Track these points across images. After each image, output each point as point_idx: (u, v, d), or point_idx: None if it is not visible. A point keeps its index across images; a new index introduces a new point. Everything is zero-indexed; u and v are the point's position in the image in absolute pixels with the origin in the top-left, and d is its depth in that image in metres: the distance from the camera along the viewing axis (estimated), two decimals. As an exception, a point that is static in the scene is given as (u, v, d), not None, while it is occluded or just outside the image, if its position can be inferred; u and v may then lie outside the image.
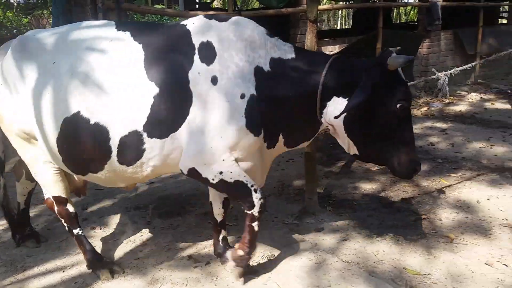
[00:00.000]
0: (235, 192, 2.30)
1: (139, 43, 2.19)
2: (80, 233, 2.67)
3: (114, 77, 2.13)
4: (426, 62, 7.89)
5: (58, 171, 2.50)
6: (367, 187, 3.89)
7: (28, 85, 2.24)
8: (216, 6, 15.20)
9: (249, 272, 2.57)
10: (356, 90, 2.13)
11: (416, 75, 7.83)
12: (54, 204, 2.59)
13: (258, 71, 2.20)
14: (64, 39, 2.28)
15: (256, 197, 2.27)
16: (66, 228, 2.68)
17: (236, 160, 2.20)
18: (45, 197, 2.64)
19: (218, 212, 2.70)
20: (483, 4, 8.11)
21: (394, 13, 18.15)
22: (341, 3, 7.23)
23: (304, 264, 2.68)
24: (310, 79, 2.25)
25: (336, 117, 2.20)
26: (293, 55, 2.29)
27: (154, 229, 3.29)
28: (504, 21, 11.59)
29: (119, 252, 2.98)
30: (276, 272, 2.61)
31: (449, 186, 3.80)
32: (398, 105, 2.19)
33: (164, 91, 2.12)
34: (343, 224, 3.20)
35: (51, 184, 2.54)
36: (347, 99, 2.21)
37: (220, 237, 2.73)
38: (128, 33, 2.22)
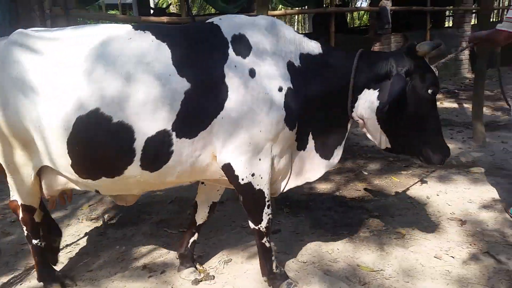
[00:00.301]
0: (252, 201, 2.26)
1: (163, 41, 2.06)
2: (38, 244, 2.49)
3: (139, 74, 1.97)
4: (378, 64, 8.14)
5: (36, 181, 2.26)
6: (323, 187, 3.96)
7: (31, 83, 2.00)
8: (172, 11, 15.07)
9: (205, 278, 2.55)
10: (392, 79, 2.15)
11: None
12: (21, 211, 2.38)
13: (290, 66, 2.18)
14: (73, 35, 2.12)
15: (266, 212, 2.27)
16: (25, 235, 2.47)
17: (272, 159, 2.17)
18: (12, 200, 2.39)
19: (201, 215, 2.63)
20: (430, 9, 8.48)
21: (349, 18, 18.66)
22: (297, 8, 7.35)
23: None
24: (340, 74, 2.25)
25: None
26: (321, 51, 2.28)
27: (107, 240, 3.20)
28: (450, 24, 12.18)
29: (71, 264, 2.86)
30: (233, 277, 2.60)
31: (400, 183, 3.94)
32: (429, 91, 2.22)
33: (197, 86, 2.02)
34: (300, 224, 3.24)
35: (27, 192, 2.30)
36: (377, 90, 2.22)
37: (191, 240, 2.65)
38: (148, 32, 2.09)
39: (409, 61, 2.20)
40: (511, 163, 4.29)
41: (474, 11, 9.69)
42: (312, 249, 2.86)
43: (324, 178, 4.09)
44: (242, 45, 2.11)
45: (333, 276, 2.54)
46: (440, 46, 2.21)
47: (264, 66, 2.09)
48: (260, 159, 2.14)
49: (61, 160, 2.08)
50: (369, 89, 2.25)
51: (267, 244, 2.34)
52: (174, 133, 2.00)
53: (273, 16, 5.55)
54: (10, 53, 2.05)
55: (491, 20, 11.47)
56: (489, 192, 3.63)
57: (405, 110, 2.23)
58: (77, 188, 2.30)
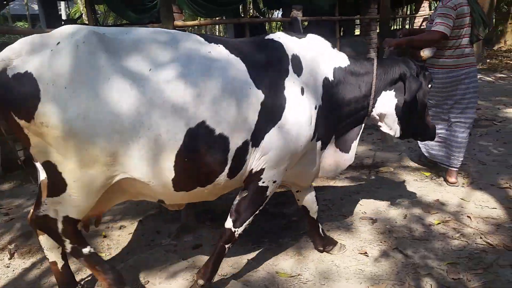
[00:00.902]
0: (254, 203, 2.37)
1: (237, 55, 2.19)
2: (91, 250, 2.22)
3: (228, 86, 2.08)
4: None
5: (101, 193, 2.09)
6: (244, 197, 3.97)
7: (134, 94, 1.90)
8: (84, 22, 14.37)
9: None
10: (408, 80, 2.51)
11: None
12: (62, 224, 2.08)
13: (325, 81, 2.43)
14: (150, 42, 2.05)
15: (250, 220, 2.40)
16: (69, 251, 2.17)
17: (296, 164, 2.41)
18: (43, 214, 2.08)
19: (314, 211, 2.84)
20: (338, 18, 8.96)
21: (267, 28, 19.14)
22: (210, 19, 7.39)
23: (179, 286, 2.62)
24: (364, 82, 2.57)
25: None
26: (348, 62, 2.55)
27: (14, 271, 2.93)
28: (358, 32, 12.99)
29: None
30: (151, 299, 2.51)
31: (316, 186, 4.08)
32: (430, 86, 2.75)
33: (268, 98, 2.18)
34: (220, 237, 3.21)
35: (87, 206, 2.08)
36: (393, 90, 2.61)
37: (320, 230, 2.88)
38: (221, 45, 2.20)
39: (416, 64, 2.67)
40: (416, 161, 4.65)
41: (378, 20, 10.42)
42: (233, 261, 2.85)
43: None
44: (298, 64, 2.33)
45: (252, 287, 2.55)
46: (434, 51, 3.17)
47: (309, 86, 2.32)
48: (286, 170, 2.37)
49: (163, 172, 2.03)
50: (385, 91, 2.63)
51: (225, 251, 2.43)
52: (250, 143, 2.16)
53: (186, 26, 5.56)
54: (97, 58, 1.90)
55: (392, 28, 12.45)
56: (397, 190, 3.90)
57: (416, 104, 2.65)
58: (139, 199, 2.32)
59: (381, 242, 3.00)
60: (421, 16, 11.67)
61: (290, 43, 2.38)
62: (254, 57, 2.24)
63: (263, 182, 2.29)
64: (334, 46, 2.59)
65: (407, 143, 5.28)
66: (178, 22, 5.74)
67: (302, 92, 2.27)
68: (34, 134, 1.88)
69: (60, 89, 1.81)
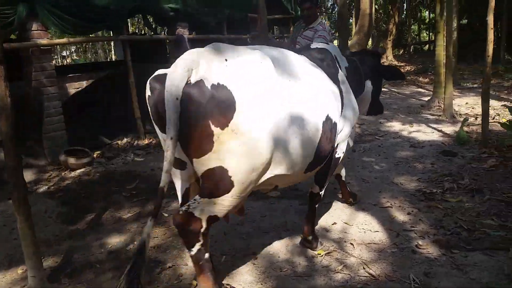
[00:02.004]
0: (332, 170, 3.03)
1: (312, 64, 2.74)
2: (208, 257, 2.33)
3: (328, 87, 2.68)
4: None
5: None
6: (116, 240, 3.46)
7: (283, 93, 2.23)
8: None
9: None
10: (381, 70, 3.71)
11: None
12: (206, 224, 2.21)
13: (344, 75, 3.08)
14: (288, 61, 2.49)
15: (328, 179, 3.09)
16: (197, 251, 2.24)
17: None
18: (196, 216, 2.19)
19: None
20: (227, 37, 8.84)
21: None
22: (80, 37, 6.73)
23: None
24: (359, 75, 3.39)
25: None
26: (348, 63, 3.27)
27: None
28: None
29: None
30: None
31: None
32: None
33: (342, 96, 2.86)
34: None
35: (237, 205, 2.27)
36: (369, 79, 3.53)
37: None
38: (303, 56, 2.77)
39: (378, 59, 3.74)
40: (303, 184, 4.54)
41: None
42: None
43: (119, 229, 3.62)
44: (340, 67, 3.10)
45: None
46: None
47: (346, 82, 3.01)
48: (345, 141, 3.03)
49: (305, 161, 2.42)
50: (366, 79, 3.51)
51: (316, 208, 3.13)
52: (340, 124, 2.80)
53: (52, 45, 4.90)
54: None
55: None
56: (283, 216, 3.70)
57: (378, 87, 3.70)
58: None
59: (261, 284, 2.72)
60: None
61: (333, 49, 3.16)
62: (321, 65, 2.83)
63: (338, 154, 2.98)
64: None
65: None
66: (43, 41, 5.07)
67: (347, 87, 2.98)
68: (221, 142, 2.00)
69: (250, 98, 2.04)
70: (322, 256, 3.02)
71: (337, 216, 3.67)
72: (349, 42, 14.69)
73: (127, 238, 3.48)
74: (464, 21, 19.59)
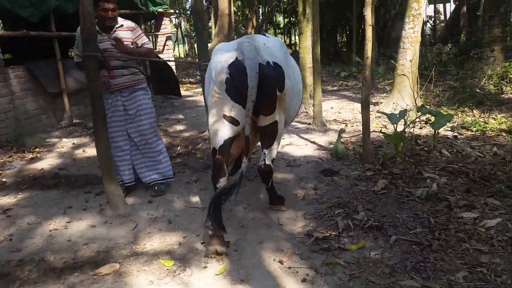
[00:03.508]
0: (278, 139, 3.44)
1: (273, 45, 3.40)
2: None
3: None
4: (-5, 108, 5.99)
5: None
6: None
7: (292, 65, 3.56)
8: None
9: None
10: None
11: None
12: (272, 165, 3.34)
13: None
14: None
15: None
16: (270, 184, 3.49)
17: None
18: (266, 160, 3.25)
19: None
20: (57, 34, 6.96)
21: None
22: None
23: None
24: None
25: None
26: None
27: None
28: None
29: None
30: None
31: None
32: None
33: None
34: None
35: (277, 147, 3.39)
36: None
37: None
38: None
39: None
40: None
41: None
42: None
43: None
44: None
45: None
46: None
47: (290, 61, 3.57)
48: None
49: (290, 113, 3.46)
50: None
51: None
52: None
53: None
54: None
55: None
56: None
57: None
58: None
59: None
60: (163, 34, 10.71)
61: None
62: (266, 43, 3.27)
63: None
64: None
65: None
66: None
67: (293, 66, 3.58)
68: (279, 102, 3.04)
69: (287, 71, 3.18)
70: None
71: (204, 299, 2.44)
72: (209, 44, 13.73)
73: None
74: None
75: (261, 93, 2.81)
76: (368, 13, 4.25)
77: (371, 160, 4.61)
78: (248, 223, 3.41)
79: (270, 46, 3.18)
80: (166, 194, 4.14)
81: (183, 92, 11.17)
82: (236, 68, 2.87)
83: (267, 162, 3.21)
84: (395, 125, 4.75)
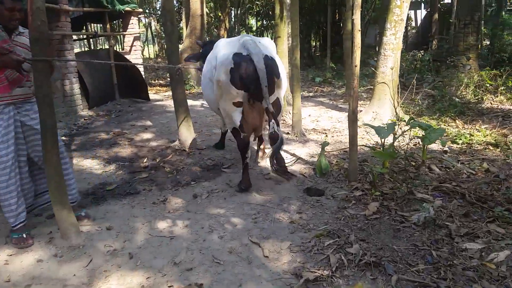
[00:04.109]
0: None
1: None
2: None
3: None
4: None
5: None
6: None
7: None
8: None
9: None
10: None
11: None
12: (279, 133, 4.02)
13: None
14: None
15: None
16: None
17: None
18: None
19: None
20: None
21: None
22: None
23: None
24: None
25: None
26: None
27: None
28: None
29: None
30: None
31: None
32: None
33: None
34: None
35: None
36: None
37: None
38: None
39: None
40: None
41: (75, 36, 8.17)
42: None
43: None
44: None
45: None
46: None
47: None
48: None
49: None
50: None
51: None
52: None
53: None
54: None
55: (93, 47, 10.17)
56: None
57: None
58: None
59: None
60: (131, 34, 10.06)
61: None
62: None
63: None
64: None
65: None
66: None
67: None
68: (278, 85, 3.92)
69: (279, 61, 4.06)
70: None
71: None
72: (180, 46, 13.13)
73: None
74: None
75: (268, 79, 3.65)
76: (357, 17, 3.85)
77: (358, 178, 4.21)
78: (225, 257, 2.92)
79: (263, 43, 4.01)
80: (129, 218, 3.60)
81: (151, 96, 10.55)
82: (240, 61, 3.66)
83: (276, 130, 3.79)
84: (382, 140, 4.38)
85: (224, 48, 3.96)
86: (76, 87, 8.02)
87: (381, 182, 4.12)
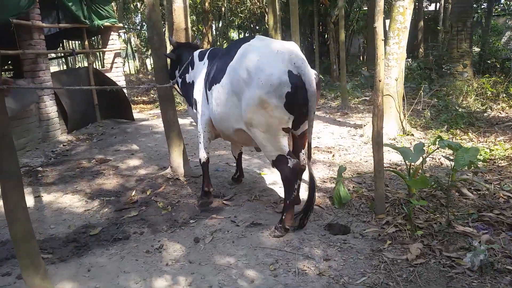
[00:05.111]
0: None
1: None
2: None
3: None
4: None
5: None
6: None
7: None
8: None
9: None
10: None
11: None
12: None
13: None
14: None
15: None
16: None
17: None
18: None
19: None
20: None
21: None
22: None
23: None
24: None
25: None
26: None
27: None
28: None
29: None
30: None
31: None
32: None
33: None
34: None
35: None
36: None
37: None
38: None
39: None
40: None
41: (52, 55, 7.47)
42: None
43: None
44: None
45: None
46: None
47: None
48: None
49: None
50: None
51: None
52: None
53: None
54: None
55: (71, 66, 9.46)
56: None
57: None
58: None
59: None
60: (111, 50, 9.40)
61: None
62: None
63: None
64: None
65: None
66: None
67: None
68: None
69: None
70: None
71: None
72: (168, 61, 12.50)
73: None
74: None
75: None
76: (380, 25, 3.32)
77: (386, 209, 3.64)
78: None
79: (300, 54, 3.33)
80: (119, 275, 2.93)
81: (136, 115, 9.85)
82: (296, 82, 3.07)
83: (303, 163, 3.65)
84: (408, 163, 3.83)
85: (264, 57, 3.17)
86: (53, 110, 7.31)
87: (418, 218, 3.55)
